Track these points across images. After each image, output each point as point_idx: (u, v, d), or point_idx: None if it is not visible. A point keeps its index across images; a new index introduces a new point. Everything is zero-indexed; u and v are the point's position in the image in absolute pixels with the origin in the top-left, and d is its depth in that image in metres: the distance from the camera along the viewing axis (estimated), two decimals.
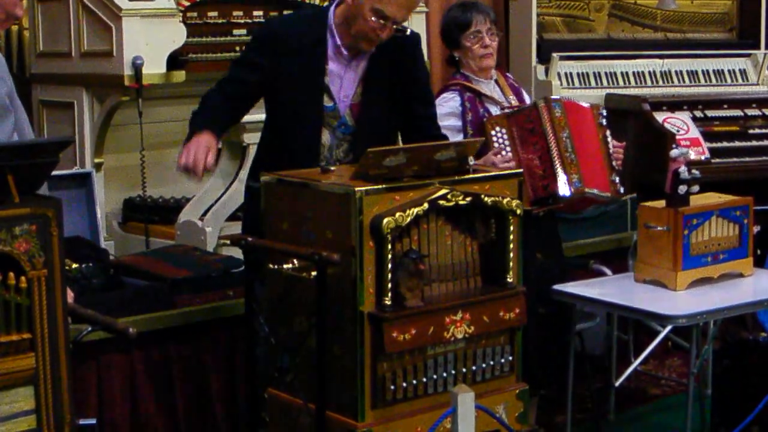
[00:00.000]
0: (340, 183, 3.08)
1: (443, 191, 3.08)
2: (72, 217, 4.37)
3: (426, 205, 3.04)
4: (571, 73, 6.21)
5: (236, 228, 4.27)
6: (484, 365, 3.25)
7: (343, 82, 3.59)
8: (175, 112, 5.24)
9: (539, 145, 4.01)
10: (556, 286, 3.92)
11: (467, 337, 3.17)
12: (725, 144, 5.80)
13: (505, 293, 3.24)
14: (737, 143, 5.83)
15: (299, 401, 3.15)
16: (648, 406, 4.94)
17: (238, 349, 3.94)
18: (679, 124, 5.73)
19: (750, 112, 6.01)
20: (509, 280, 3.25)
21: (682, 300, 3.77)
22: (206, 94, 3.67)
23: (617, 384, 4.58)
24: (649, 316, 3.85)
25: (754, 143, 5.86)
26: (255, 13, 5.29)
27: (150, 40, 4.78)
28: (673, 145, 5.23)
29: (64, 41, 5.07)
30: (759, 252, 4.69)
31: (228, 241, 3.52)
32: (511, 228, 3.23)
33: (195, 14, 5.12)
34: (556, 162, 3.98)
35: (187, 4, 5.00)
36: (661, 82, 6.38)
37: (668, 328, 4.64)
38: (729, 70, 6.55)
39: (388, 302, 3.00)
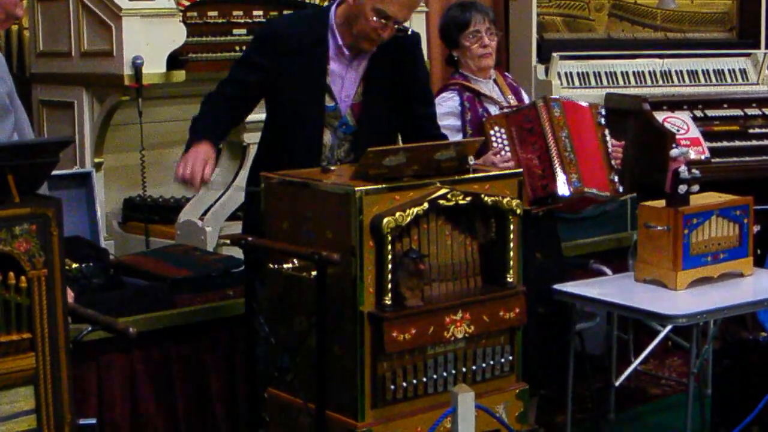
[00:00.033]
0: (340, 183, 3.08)
1: (443, 191, 3.08)
2: (72, 216, 4.37)
3: (426, 204, 3.04)
4: (571, 73, 6.21)
5: (236, 228, 4.27)
6: (484, 365, 3.24)
7: (344, 81, 3.59)
8: (175, 112, 5.24)
9: (538, 144, 4.01)
10: (556, 286, 3.92)
11: (467, 336, 3.17)
12: (725, 143, 5.80)
13: (505, 293, 3.24)
14: (737, 143, 5.83)
15: (299, 401, 3.15)
16: (648, 405, 4.94)
17: (238, 349, 3.94)
18: (679, 123, 5.73)
19: (750, 111, 6.01)
20: (509, 279, 3.25)
21: (682, 300, 3.77)
22: (207, 97, 3.66)
23: (617, 384, 4.58)
24: (649, 315, 3.86)
25: (754, 143, 5.87)
26: (255, 12, 5.29)
27: (150, 40, 4.78)
28: (673, 145, 5.23)
29: (64, 41, 5.07)
30: (759, 251, 4.68)
31: (228, 241, 3.53)
32: (511, 227, 3.23)
33: (195, 14, 5.12)
34: (555, 162, 3.98)
35: (187, 3, 5.00)
36: (661, 82, 6.38)
37: (668, 327, 4.64)
38: (729, 70, 6.55)
39: (388, 302, 3.00)
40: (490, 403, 3.19)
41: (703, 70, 6.51)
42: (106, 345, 3.68)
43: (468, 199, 3.12)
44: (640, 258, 3.96)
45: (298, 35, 3.55)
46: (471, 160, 3.23)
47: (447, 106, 4.06)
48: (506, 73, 4.45)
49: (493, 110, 4.13)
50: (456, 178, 3.15)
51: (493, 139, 4.00)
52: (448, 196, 3.08)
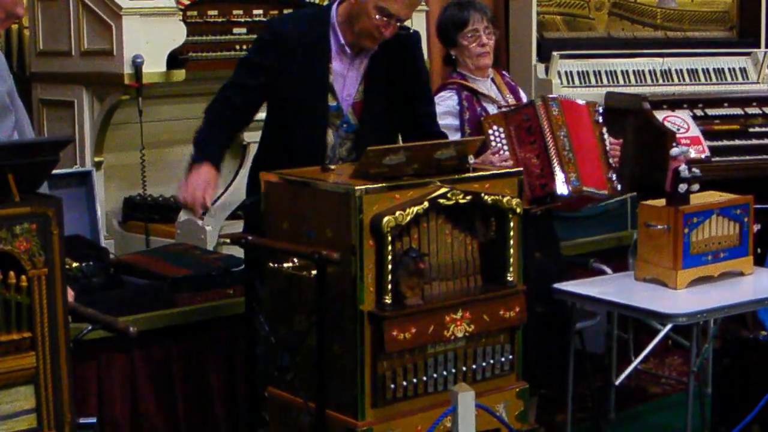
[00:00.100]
0: (340, 182, 3.08)
1: (443, 190, 3.08)
2: (72, 215, 4.37)
3: (426, 203, 3.04)
4: (571, 72, 6.21)
5: (236, 227, 4.27)
6: (484, 364, 3.25)
7: (345, 80, 3.59)
8: (176, 111, 5.24)
9: (537, 144, 4.01)
10: (556, 285, 3.92)
11: (467, 335, 3.17)
12: (725, 142, 5.80)
13: (505, 292, 3.24)
14: (737, 142, 5.83)
15: (299, 400, 3.15)
16: (648, 404, 4.94)
17: (238, 348, 3.94)
18: (680, 122, 5.73)
19: (750, 110, 6.01)
20: (509, 278, 3.25)
21: (682, 298, 3.77)
22: (210, 106, 3.64)
23: (617, 383, 4.57)
24: (649, 314, 3.86)
25: (755, 142, 5.86)
26: (255, 11, 5.29)
27: (150, 39, 4.78)
28: (674, 144, 5.24)
29: (64, 40, 5.07)
30: (759, 250, 4.68)
31: (228, 240, 3.53)
32: (512, 226, 3.23)
33: (195, 13, 5.11)
34: (554, 161, 3.98)
35: (187, 2, 5.00)
36: (661, 81, 6.38)
37: (668, 326, 4.64)
38: (729, 69, 6.54)
39: (388, 301, 3.00)
40: (490, 402, 3.19)
41: (703, 69, 6.50)
42: (107, 344, 3.68)
43: (468, 198, 3.12)
44: (641, 257, 3.96)
45: (299, 34, 3.55)
46: (471, 159, 3.24)
47: (445, 105, 4.05)
48: (504, 72, 4.45)
49: (492, 109, 4.13)
50: (456, 177, 3.16)
51: (492, 138, 4.00)
52: (448, 195, 3.08)
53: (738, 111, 5.99)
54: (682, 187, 3.83)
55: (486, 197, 3.16)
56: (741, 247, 4.00)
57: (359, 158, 3.20)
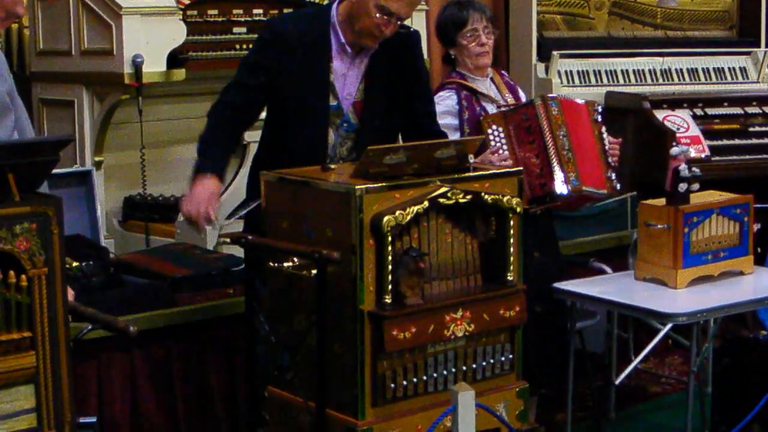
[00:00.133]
0: (340, 181, 3.08)
1: (443, 189, 3.08)
2: (72, 215, 4.37)
3: (426, 203, 3.04)
4: (571, 71, 6.21)
5: (236, 226, 4.27)
6: (484, 363, 3.25)
7: (346, 79, 3.59)
8: (176, 111, 5.24)
9: (536, 143, 4.01)
10: (556, 285, 3.92)
11: (467, 335, 3.17)
12: (725, 142, 5.80)
13: (506, 291, 3.24)
14: (737, 141, 5.83)
15: (299, 399, 3.15)
16: (648, 404, 4.94)
17: (238, 348, 3.94)
18: (680, 122, 5.73)
19: (750, 110, 6.01)
20: (509, 278, 3.25)
21: (682, 298, 3.77)
22: (213, 111, 3.63)
23: (617, 382, 4.58)
24: (649, 314, 3.85)
25: (755, 141, 5.86)
26: (255, 11, 5.29)
27: (150, 39, 4.78)
28: (674, 143, 5.24)
29: (65, 39, 5.07)
30: (759, 250, 4.68)
31: (228, 240, 3.52)
32: (512, 226, 3.23)
33: (195, 12, 5.11)
34: (554, 160, 3.98)
35: (187, 2, 5.00)
36: (661, 80, 6.38)
37: (668, 326, 4.64)
38: (729, 68, 6.54)
39: (388, 300, 3.00)
40: (490, 401, 3.19)
41: (703, 69, 6.50)
42: (107, 343, 3.68)
43: (468, 197, 3.12)
44: (641, 256, 3.96)
45: (299, 34, 3.55)
46: (471, 159, 3.24)
47: (444, 104, 4.05)
48: (503, 72, 4.45)
49: (491, 109, 4.13)
50: (456, 176, 3.16)
51: (491, 137, 4.00)
52: (449, 194, 3.08)
53: (738, 110, 5.99)
54: (682, 187, 3.83)
55: (486, 197, 3.16)
56: (741, 247, 4.00)
57: (359, 157, 3.20)
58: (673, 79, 6.41)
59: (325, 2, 3.68)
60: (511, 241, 3.24)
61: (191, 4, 5.03)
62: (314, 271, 3.02)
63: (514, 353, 3.31)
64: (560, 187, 3.97)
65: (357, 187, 2.95)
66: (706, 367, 4.38)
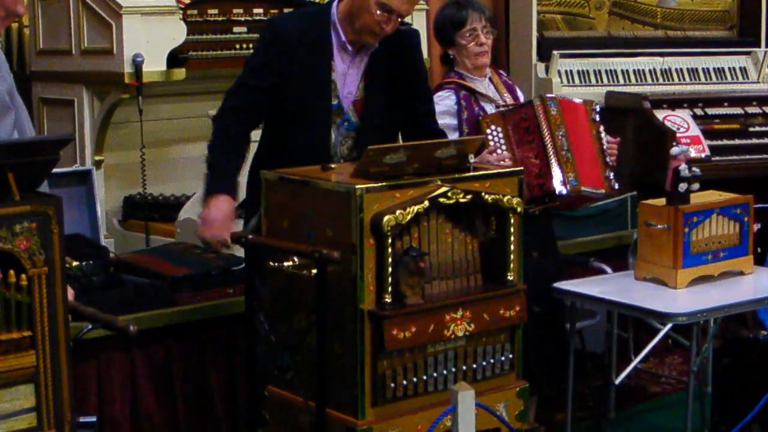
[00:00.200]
0: (340, 181, 3.08)
1: (444, 189, 3.08)
2: (72, 214, 4.37)
3: (426, 202, 3.04)
4: (571, 71, 6.21)
5: (236, 226, 4.26)
6: (484, 363, 3.25)
7: (346, 78, 3.59)
8: (176, 110, 5.24)
9: (535, 143, 4.01)
10: (556, 285, 3.92)
11: (467, 334, 3.17)
12: (725, 142, 5.79)
13: (506, 291, 3.24)
14: (737, 141, 5.83)
15: (299, 399, 3.15)
16: (648, 404, 4.94)
17: (238, 347, 3.94)
18: (680, 121, 5.73)
19: (750, 110, 6.00)
20: (509, 278, 3.25)
21: (682, 298, 3.77)
22: (220, 115, 3.61)
23: (617, 382, 4.57)
24: (649, 314, 3.85)
25: (755, 141, 5.86)
26: (255, 10, 5.29)
27: (150, 38, 4.78)
28: (674, 143, 5.23)
29: (65, 39, 5.07)
30: (759, 250, 4.68)
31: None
32: (512, 226, 3.23)
33: (195, 12, 5.12)
34: (552, 160, 3.98)
35: (187, 1, 5.00)
36: (661, 80, 6.38)
37: (668, 326, 4.64)
38: (729, 68, 6.54)
39: (388, 300, 3.00)
40: (490, 401, 3.19)
41: (703, 69, 6.50)
42: (107, 343, 3.68)
43: (468, 197, 3.12)
44: (641, 256, 3.96)
45: (300, 33, 3.55)
46: (471, 158, 3.24)
47: (443, 104, 4.04)
48: (501, 72, 4.44)
49: (489, 108, 4.13)
50: (456, 176, 3.15)
51: (490, 137, 3.99)
52: (449, 194, 3.08)
53: (738, 110, 5.98)
54: (682, 187, 3.82)
55: (486, 196, 3.16)
56: (741, 247, 4.00)
57: (360, 156, 3.20)
58: (673, 79, 6.41)
59: (325, 1, 3.67)
60: (512, 240, 3.24)
61: (191, 3, 5.04)
62: (314, 271, 3.02)
63: (514, 353, 3.31)
64: (559, 187, 3.97)
65: (357, 186, 2.95)
66: (706, 367, 4.38)
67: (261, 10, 5.29)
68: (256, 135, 3.89)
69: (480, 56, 4.12)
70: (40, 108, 5.31)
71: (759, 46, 6.65)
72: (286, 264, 3.17)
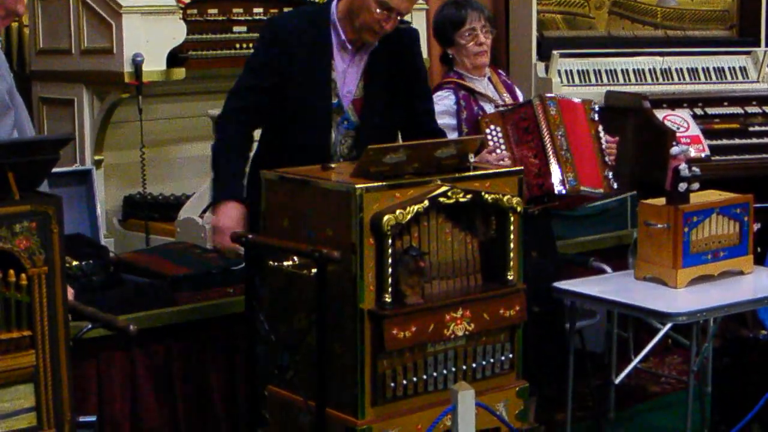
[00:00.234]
0: (340, 180, 3.07)
1: (444, 188, 3.08)
2: (72, 214, 4.37)
3: (426, 202, 3.04)
4: (571, 71, 6.21)
5: None
6: (484, 363, 3.24)
7: (346, 77, 3.59)
8: (176, 110, 5.25)
9: (534, 143, 4.01)
10: (556, 284, 3.92)
11: (467, 334, 3.17)
12: (725, 141, 5.80)
13: (506, 291, 3.24)
14: (737, 141, 5.83)
15: (299, 399, 3.15)
16: (648, 403, 4.94)
17: (238, 347, 3.94)
18: (680, 121, 5.73)
19: (750, 109, 6.01)
20: (509, 277, 3.25)
21: (682, 297, 3.77)
22: (223, 120, 3.60)
23: (617, 381, 4.57)
24: (649, 313, 3.85)
25: (755, 141, 5.86)
26: (255, 10, 5.29)
27: (150, 38, 4.78)
28: (674, 143, 5.23)
29: (64, 38, 5.07)
30: (759, 250, 4.68)
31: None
32: (512, 225, 3.23)
33: (195, 11, 5.12)
34: (552, 160, 3.98)
35: (187, 1, 5.00)
36: (661, 80, 6.38)
37: (668, 325, 4.64)
38: (729, 68, 6.54)
39: (388, 299, 3.00)
40: (490, 400, 3.19)
41: (703, 68, 6.50)
42: (107, 342, 3.68)
43: (468, 196, 3.12)
44: (641, 256, 3.96)
45: (300, 32, 3.55)
46: (471, 158, 3.24)
47: (442, 104, 4.04)
48: (500, 71, 4.44)
49: (489, 108, 4.12)
50: (456, 175, 3.15)
51: (489, 137, 3.99)
52: (449, 193, 3.08)
53: (738, 110, 5.99)
54: (682, 186, 3.82)
55: (486, 196, 3.16)
56: (741, 246, 4.00)
57: (360, 155, 3.20)
58: (673, 79, 6.41)
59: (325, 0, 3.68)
60: (512, 240, 3.24)
61: (191, 3, 5.04)
62: (314, 270, 3.02)
63: (514, 352, 3.31)
64: (558, 187, 3.97)
65: (357, 186, 2.95)
66: (705, 366, 4.38)
67: (261, 10, 5.29)
68: (256, 135, 3.89)
69: (479, 56, 4.12)
70: (40, 107, 5.31)
71: (759, 46, 6.65)
72: (286, 264, 3.16)
